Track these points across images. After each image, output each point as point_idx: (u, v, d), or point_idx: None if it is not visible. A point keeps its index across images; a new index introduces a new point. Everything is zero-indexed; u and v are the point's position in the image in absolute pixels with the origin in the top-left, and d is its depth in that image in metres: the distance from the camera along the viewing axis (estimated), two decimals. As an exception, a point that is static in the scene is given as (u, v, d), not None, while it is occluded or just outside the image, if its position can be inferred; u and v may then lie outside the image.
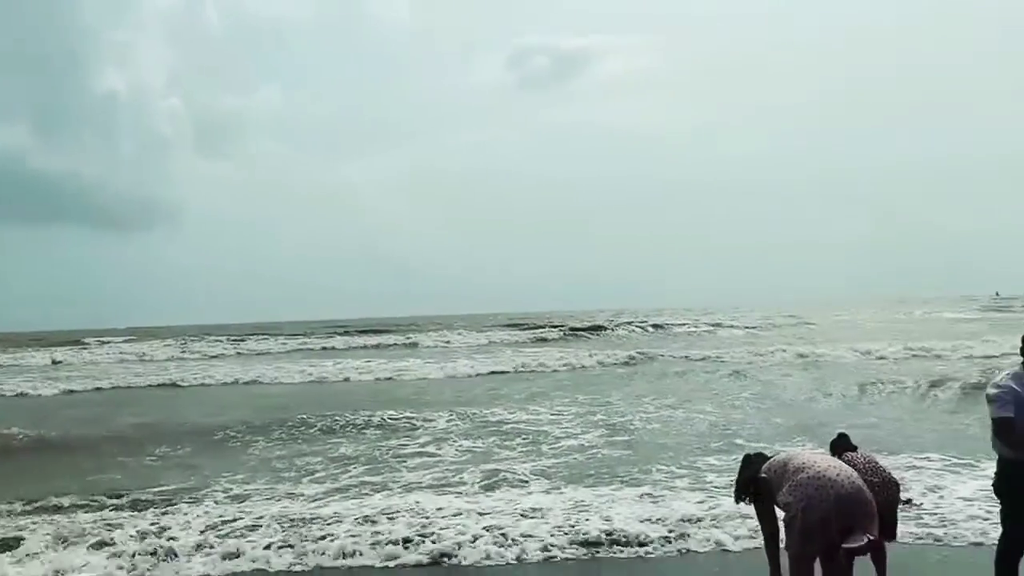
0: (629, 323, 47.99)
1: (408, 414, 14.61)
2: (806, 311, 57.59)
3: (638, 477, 9.16)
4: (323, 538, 6.96)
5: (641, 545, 6.68)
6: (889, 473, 5.26)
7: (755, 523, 6.65)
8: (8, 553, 6.88)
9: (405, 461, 10.71)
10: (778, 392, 17.19)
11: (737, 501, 5.42)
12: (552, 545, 6.68)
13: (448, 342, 39.02)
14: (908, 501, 5.38)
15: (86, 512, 8.26)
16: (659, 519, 7.18)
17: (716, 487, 8.33)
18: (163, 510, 8.20)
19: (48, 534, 7.28)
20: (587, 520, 7.20)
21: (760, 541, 6.17)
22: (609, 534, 6.83)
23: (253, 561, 6.62)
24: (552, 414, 14.39)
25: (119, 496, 9.04)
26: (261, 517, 7.63)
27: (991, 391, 4.69)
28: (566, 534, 6.88)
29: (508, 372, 23.66)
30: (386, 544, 6.79)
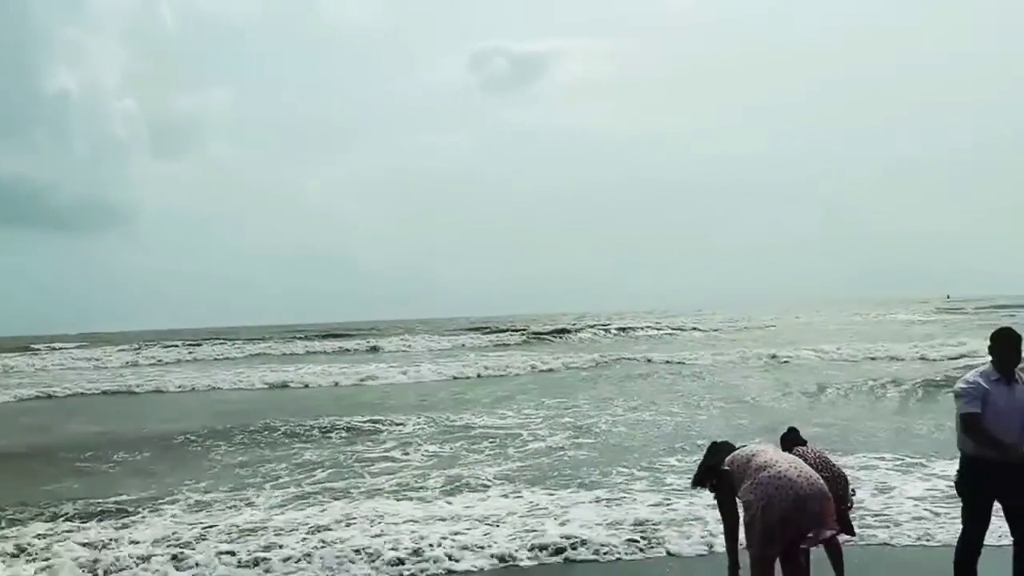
0: (592, 327, 48.22)
1: (374, 419, 14.50)
2: (764, 313, 58.54)
3: (598, 480, 9.19)
4: (269, 547, 6.79)
5: (596, 552, 6.59)
6: (839, 468, 5.37)
7: (706, 529, 6.75)
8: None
9: (370, 466, 10.61)
10: (740, 393, 17.42)
11: (694, 486, 5.44)
12: (506, 553, 6.57)
13: (410, 346, 38.76)
14: (853, 493, 5.51)
15: (35, 522, 8.04)
16: (614, 522, 7.16)
17: (675, 490, 8.37)
18: (118, 521, 8.01)
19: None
20: (543, 525, 7.18)
21: (708, 546, 6.30)
22: (567, 538, 6.77)
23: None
24: (519, 418, 14.37)
25: (72, 507, 8.79)
26: (213, 527, 7.47)
27: (959, 387, 4.76)
28: (522, 540, 6.79)
29: (473, 376, 23.57)
30: (336, 554, 6.62)
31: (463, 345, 39.20)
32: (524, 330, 47.96)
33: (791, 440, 5.52)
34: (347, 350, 38.18)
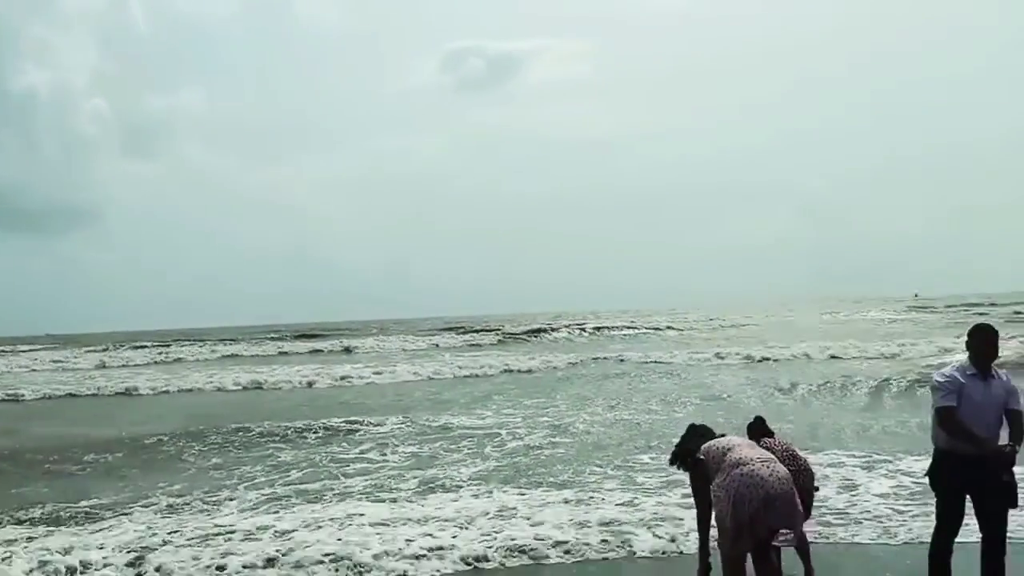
0: (567, 326, 48.30)
1: (350, 420, 14.40)
2: (739, 313, 59.05)
3: (571, 479, 9.24)
4: (232, 553, 6.67)
5: (564, 553, 6.54)
6: (805, 461, 5.48)
7: (673, 529, 6.82)
8: None
9: (345, 467, 10.56)
10: (715, 391, 17.62)
11: (671, 464, 5.57)
12: (472, 555, 6.50)
13: (385, 347, 38.53)
14: (816, 489, 5.63)
15: (1, 528, 7.89)
16: (582, 522, 7.16)
17: (645, 489, 8.44)
18: (86, 526, 7.90)
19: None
20: (512, 525, 7.17)
21: (674, 541, 6.44)
22: (535, 539, 6.74)
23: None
24: (497, 418, 14.34)
25: (40, 511, 8.68)
26: (177, 532, 7.35)
27: (936, 380, 4.84)
28: (489, 542, 6.74)
29: (449, 377, 23.49)
30: (297, 559, 6.49)
31: (437, 345, 39.03)
32: (499, 330, 47.91)
33: (758, 430, 5.62)
34: (320, 351, 37.85)
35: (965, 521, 4.88)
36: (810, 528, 5.31)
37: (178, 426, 14.52)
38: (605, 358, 27.30)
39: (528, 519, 7.37)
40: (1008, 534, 4.82)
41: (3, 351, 41.53)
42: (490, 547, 6.63)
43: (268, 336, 50.35)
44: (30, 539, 7.35)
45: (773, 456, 4.81)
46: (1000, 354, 4.92)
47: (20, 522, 8.20)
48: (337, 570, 6.32)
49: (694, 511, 5.49)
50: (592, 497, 8.16)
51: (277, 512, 8.12)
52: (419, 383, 22.36)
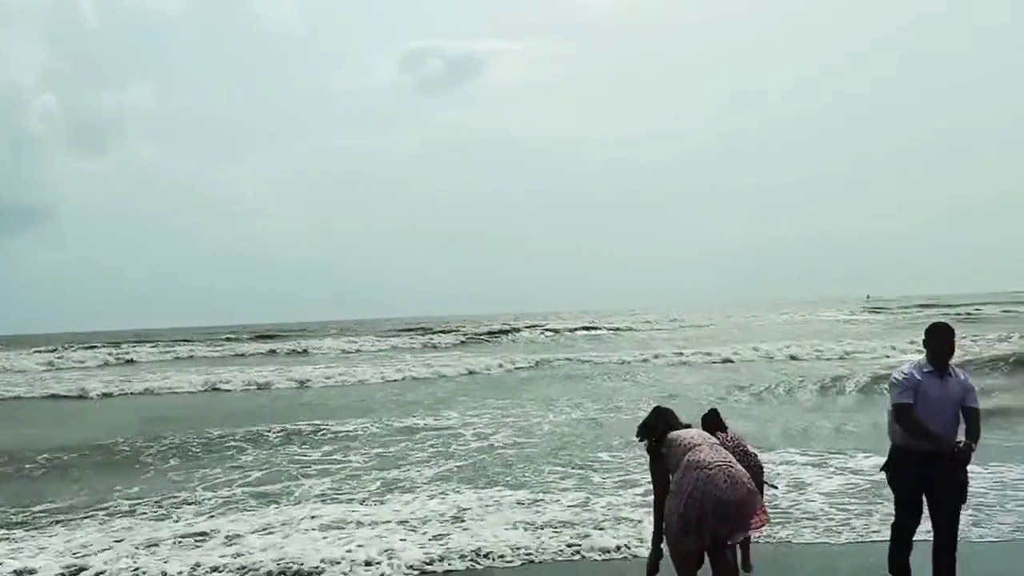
0: (529, 327, 48.37)
1: (313, 422, 14.26)
2: (699, 314, 59.81)
3: (529, 479, 9.28)
4: (172, 559, 6.56)
5: (514, 554, 6.50)
6: (756, 458, 5.60)
7: (625, 531, 6.84)
8: None
9: (307, 468, 10.46)
10: (677, 390, 17.86)
11: (637, 436, 5.32)
12: (420, 560, 6.43)
13: (344, 348, 38.11)
14: (775, 487, 5.73)
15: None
16: (534, 524, 7.18)
17: (599, 491, 8.49)
18: (36, 531, 7.73)
19: None
20: (464, 527, 7.17)
21: (628, 548, 6.50)
22: (486, 541, 6.72)
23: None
24: (462, 419, 14.29)
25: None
26: (121, 541, 7.18)
27: (894, 378, 4.95)
28: (439, 544, 6.71)
29: (411, 378, 23.34)
30: (241, 565, 6.39)
31: (395, 347, 38.65)
32: (458, 331, 47.75)
33: (712, 422, 5.73)
34: (275, 352, 37.29)
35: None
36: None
37: (135, 429, 14.24)
38: (568, 359, 27.40)
39: (481, 520, 7.37)
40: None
41: (-54, 353, 40.10)
42: (439, 551, 6.57)
43: (224, 337, 49.51)
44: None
45: (733, 459, 4.84)
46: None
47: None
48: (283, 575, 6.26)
49: (649, 513, 5.47)
50: (546, 498, 8.18)
51: (232, 516, 8.02)
52: (381, 385, 22.19)
